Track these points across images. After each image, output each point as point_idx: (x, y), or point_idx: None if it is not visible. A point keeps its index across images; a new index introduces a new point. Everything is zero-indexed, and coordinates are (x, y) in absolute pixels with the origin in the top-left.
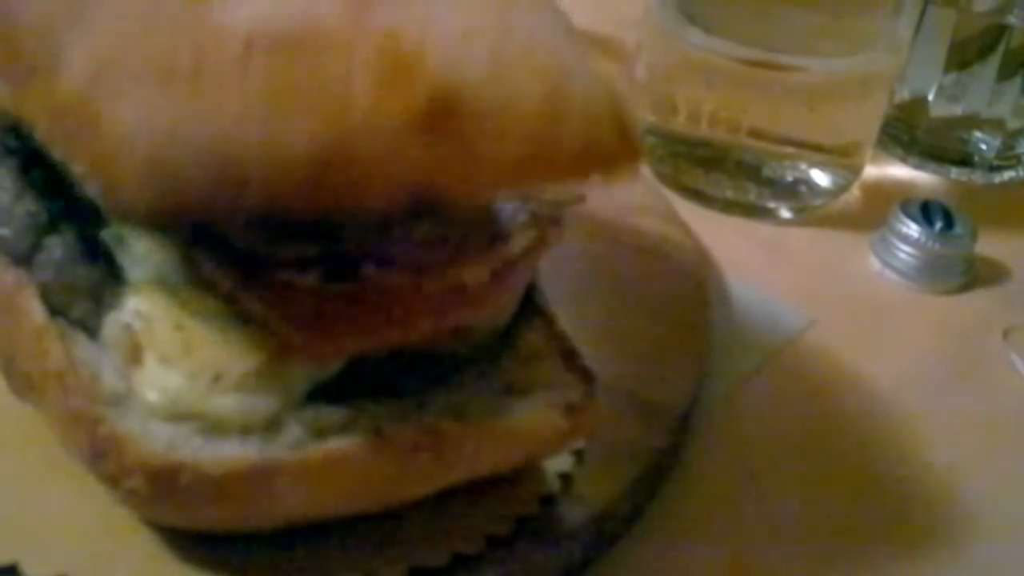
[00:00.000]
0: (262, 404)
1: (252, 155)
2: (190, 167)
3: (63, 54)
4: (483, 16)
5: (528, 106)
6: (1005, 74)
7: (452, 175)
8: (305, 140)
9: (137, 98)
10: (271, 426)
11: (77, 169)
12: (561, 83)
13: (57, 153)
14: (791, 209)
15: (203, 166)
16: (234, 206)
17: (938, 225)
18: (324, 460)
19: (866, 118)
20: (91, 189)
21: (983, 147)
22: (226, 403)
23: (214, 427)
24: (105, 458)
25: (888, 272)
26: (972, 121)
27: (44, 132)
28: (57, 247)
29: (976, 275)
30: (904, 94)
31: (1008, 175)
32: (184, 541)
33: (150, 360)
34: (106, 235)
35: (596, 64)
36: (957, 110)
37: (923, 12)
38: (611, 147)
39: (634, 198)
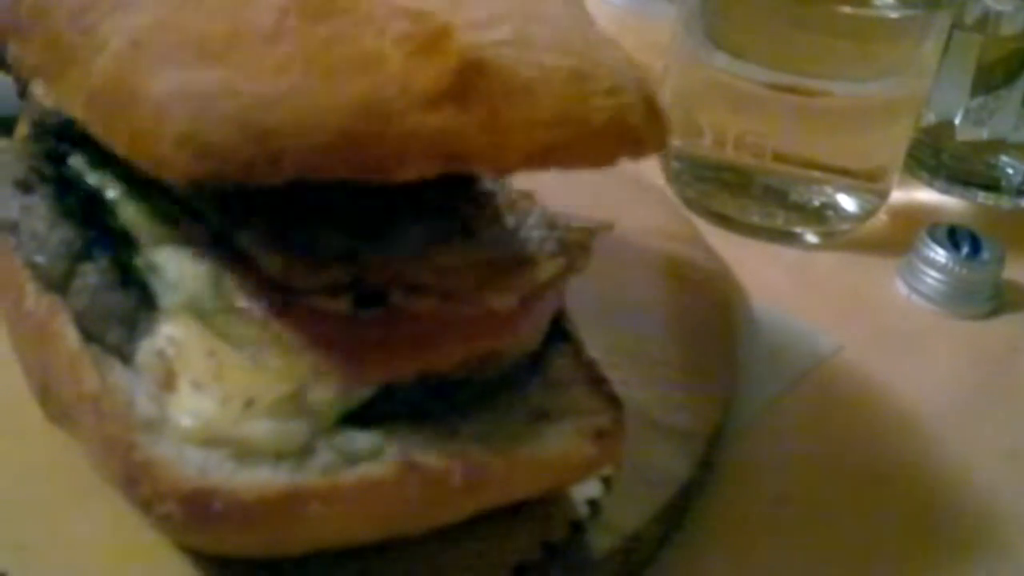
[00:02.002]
0: (294, 430)
1: (287, 120)
2: (226, 132)
3: (100, 39)
4: (509, 4)
5: (555, 81)
6: None
7: (481, 144)
8: (338, 106)
9: (173, 70)
10: (302, 451)
11: (115, 145)
12: (588, 61)
13: (96, 133)
14: (818, 234)
15: (239, 131)
16: (270, 170)
17: (965, 250)
18: (355, 486)
19: (893, 142)
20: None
21: (1010, 171)
22: (258, 429)
23: (246, 452)
24: (139, 483)
25: (915, 297)
26: (998, 146)
27: (83, 116)
28: (91, 274)
29: (1004, 300)
30: (930, 118)
31: None
32: (216, 566)
33: (183, 386)
34: (140, 262)
35: (621, 50)
36: (983, 134)
37: (950, 36)
38: (638, 124)
39: (661, 223)
